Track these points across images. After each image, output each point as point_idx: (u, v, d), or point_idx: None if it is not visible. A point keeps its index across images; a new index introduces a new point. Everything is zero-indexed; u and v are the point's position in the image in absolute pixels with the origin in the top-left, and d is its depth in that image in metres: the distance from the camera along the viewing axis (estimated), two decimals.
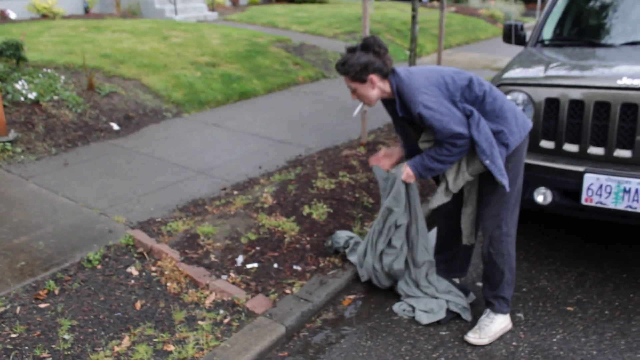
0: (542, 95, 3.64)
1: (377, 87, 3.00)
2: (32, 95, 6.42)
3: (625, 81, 3.41)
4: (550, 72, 3.80)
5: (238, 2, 17.23)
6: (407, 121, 3.09)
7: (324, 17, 14.09)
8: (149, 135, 6.37)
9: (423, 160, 3.04)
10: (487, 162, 2.90)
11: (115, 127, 6.49)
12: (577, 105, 3.55)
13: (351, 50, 3.01)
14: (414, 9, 5.30)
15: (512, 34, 5.05)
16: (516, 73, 3.97)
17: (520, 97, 3.77)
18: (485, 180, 3.07)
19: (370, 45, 2.97)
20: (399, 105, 2.98)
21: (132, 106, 6.99)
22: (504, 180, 2.93)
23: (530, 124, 3.08)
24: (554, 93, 3.60)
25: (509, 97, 3.80)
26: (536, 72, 3.87)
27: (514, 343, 3.09)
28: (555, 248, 4.11)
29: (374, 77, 2.96)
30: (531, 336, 3.14)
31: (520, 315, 3.32)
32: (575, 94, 3.54)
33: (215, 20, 14.04)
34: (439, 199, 3.16)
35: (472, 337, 3.10)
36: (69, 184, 4.95)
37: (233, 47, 9.78)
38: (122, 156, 5.65)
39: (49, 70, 7.15)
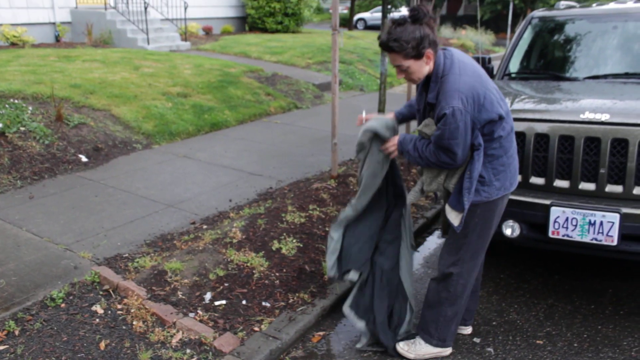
0: None
1: (430, 62, 2.77)
2: None
3: (587, 115, 3.48)
4: (517, 106, 3.85)
5: (211, 31, 17.29)
6: (427, 103, 2.92)
7: (297, 47, 14.20)
8: (118, 167, 6.29)
9: (411, 142, 2.95)
10: (465, 199, 2.82)
11: (84, 159, 6.40)
12: (542, 139, 3.60)
13: (399, 24, 2.71)
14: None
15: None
16: None
17: None
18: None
19: (423, 16, 2.69)
20: (434, 90, 2.78)
21: (102, 137, 6.91)
22: (460, 223, 2.88)
23: (514, 186, 3.00)
24: (520, 127, 3.65)
25: None
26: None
27: None
28: (525, 280, 4.13)
29: (430, 52, 2.73)
30: None
31: (490, 350, 3.31)
32: (541, 128, 3.59)
33: (188, 49, 14.06)
34: (415, 196, 3.16)
35: (402, 347, 3.18)
36: (33, 218, 4.85)
37: (205, 77, 9.78)
38: (90, 189, 5.56)
39: (16, 101, 7.05)
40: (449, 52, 2.82)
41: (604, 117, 3.42)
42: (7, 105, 6.82)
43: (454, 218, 2.88)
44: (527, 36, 5.25)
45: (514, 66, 5.10)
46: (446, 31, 22.94)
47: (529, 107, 3.83)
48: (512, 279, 4.15)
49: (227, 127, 8.14)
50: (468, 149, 2.78)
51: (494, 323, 3.59)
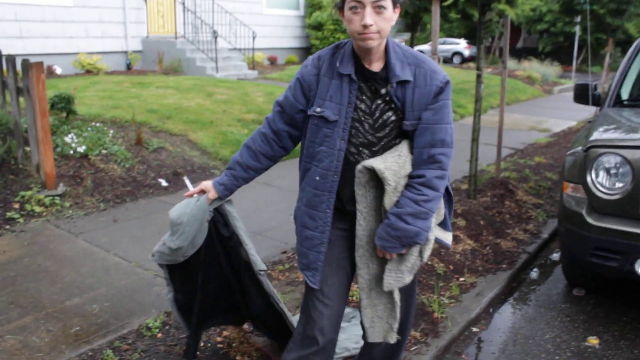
0: None
1: (393, 22, 2.11)
2: (81, 149, 6.32)
3: None
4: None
5: (276, 61, 17.40)
6: (384, 102, 2.17)
7: None
8: None
9: (400, 218, 2.13)
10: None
11: (164, 183, 6.33)
12: None
13: None
14: (479, 68, 5.10)
15: (589, 94, 4.80)
16: (608, 134, 3.71)
17: (613, 159, 3.50)
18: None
19: None
20: (400, 64, 2.12)
21: (180, 162, 6.85)
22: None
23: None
24: None
25: (602, 159, 3.53)
26: (630, 132, 3.61)
27: None
28: None
29: (398, 10, 2.12)
30: None
31: None
32: None
33: (255, 78, 14.11)
34: (405, 277, 2.28)
35: None
36: (119, 242, 4.74)
37: None
38: None
39: (97, 124, 7.08)
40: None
41: None
42: (89, 129, 6.85)
43: (449, 237, 2.43)
44: (638, 63, 4.92)
45: (625, 93, 4.77)
46: (510, 63, 22.51)
47: None
48: (638, 322, 3.76)
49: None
50: None
51: None
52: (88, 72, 12.21)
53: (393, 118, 2.18)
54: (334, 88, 2.17)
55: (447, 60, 29.29)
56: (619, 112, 4.44)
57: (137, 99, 8.92)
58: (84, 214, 5.36)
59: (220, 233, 2.69)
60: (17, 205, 5.25)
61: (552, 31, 31.05)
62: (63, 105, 6.72)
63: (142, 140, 6.90)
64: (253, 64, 15.26)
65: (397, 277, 2.25)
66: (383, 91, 2.16)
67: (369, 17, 2.00)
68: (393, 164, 2.15)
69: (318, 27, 17.98)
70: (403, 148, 2.19)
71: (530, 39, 36.84)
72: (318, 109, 2.20)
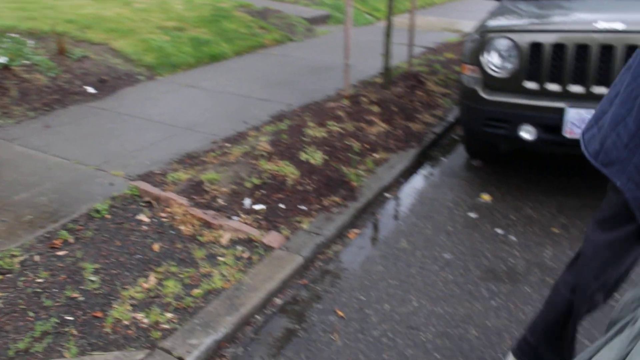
0: (527, 40, 3.89)
1: None
2: (2, 60, 6.31)
3: (602, 24, 3.71)
4: (533, 20, 4.07)
5: None
6: None
7: None
8: (126, 97, 6.37)
9: None
10: None
11: (91, 90, 6.46)
12: (559, 49, 3.82)
13: None
14: None
15: None
16: (501, 21, 4.23)
17: (505, 42, 4.02)
18: None
19: None
20: None
21: (105, 70, 6.95)
22: None
23: None
24: (537, 38, 3.87)
25: (495, 42, 4.04)
26: (519, 19, 4.14)
27: (511, 260, 3.38)
28: (536, 182, 4.43)
29: None
30: (525, 254, 3.44)
31: (512, 237, 3.62)
32: (557, 38, 3.81)
33: None
34: None
35: None
36: (55, 144, 4.96)
37: (197, 12, 9.73)
38: (104, 117, 5.66)
39: (13, 35, 7.01)
40: None
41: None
42: (7, 40, 6.79)
43: None
44: None
45: None
46: None
47: (545, 20, 4.14)
48: (522, 183, 4.44)
49: (226, 59, 8.20)
50: None
51: (512, 217, 3.89)
52: None
53: None
54: None
55: None
56: (514, 4, 4.93)
57: (52, 10, 8.74)
58: (15, 122, 5.49)
59: None
60: None
61: None
62: None
63: (64, 49, 6.92)
64: None
65: None
66: None
67: None
68: None
69: None
70: None
71: None
72: None
